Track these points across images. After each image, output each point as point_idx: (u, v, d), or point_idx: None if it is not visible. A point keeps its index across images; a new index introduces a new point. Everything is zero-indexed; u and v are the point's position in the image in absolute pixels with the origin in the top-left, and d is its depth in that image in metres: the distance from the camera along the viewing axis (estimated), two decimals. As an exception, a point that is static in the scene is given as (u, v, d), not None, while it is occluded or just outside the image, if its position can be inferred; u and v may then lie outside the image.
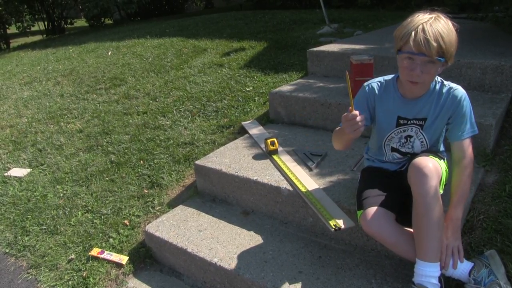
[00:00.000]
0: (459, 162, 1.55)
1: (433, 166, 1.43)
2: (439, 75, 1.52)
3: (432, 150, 1.63)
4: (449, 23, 1.41)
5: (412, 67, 1.41)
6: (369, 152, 1.82)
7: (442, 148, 1.70)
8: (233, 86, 3.54)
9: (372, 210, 1.51)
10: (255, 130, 2.71)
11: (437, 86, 1.54)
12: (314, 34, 4.52)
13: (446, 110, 1.54)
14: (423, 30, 1.36)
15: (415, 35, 1.37)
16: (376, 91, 1.64)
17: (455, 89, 1.53)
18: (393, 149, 1.67)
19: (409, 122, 1.60)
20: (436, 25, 1.37)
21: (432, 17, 1.39)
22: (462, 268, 1.48)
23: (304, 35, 4.57)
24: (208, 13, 9.20)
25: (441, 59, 1.38)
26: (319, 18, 5.34)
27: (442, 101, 1.54)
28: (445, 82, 1.55)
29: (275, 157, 2.25)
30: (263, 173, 2.12)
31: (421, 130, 1.60)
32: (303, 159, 2.21)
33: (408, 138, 1.63)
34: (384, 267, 1.67)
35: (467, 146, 1.55)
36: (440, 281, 1.41)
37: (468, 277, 1.46)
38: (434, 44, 1.35)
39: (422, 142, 1.62)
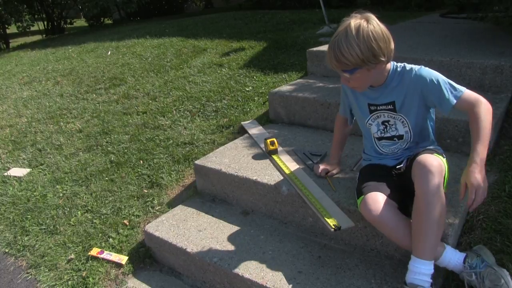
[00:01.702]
0: (470, 111, 1.48)
1: (438, 164, 1.43)
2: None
3: (424, 136, 1.68)
4: (363, 27, 1.44)
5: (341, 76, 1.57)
6: (366, 152, 1.86)
7: (432, 136, 1.72)
8: (233, 86, 3.54)
9: (372, 195, 1.53)
10: (255, 130, 2.71)
11: (399, 69, 1.61)
12: (314, 34, 4.52)
13: (414, 90, 1.57)
14: (329, 49, 1.51)
15: (328, 52, 1.52)
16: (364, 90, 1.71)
17: (415, 69, 1.58)
18: (379, 139, 1.73)
19: (378, 108, 1.68)
20: (340, 39, 1.46)
21: (342, 30, 1.48)
22: (457, 258, 1.50)
23: (303, 35, 4.57)
24: (208, 13, 9.20)
25: (351, 71, 1.49)
26: (318, 18, 5.34)
27: (406, 83, 1.59)
28: (408, 66, 1.60)
29: (274, 157, 2.25)
30: (262, 173, 2.12)
31: (394, 112, 1.65)
32: (303, 159, 2.21)
33: (386, 123, 1.69)
34: (384, 267, 1.67)
35: (467, 98, 1.50)
36: (432, 278, 1.42)
37: (463, 265, 1.49)
38: (335, 61, 1.49)
39: (403, 122, 1.65)
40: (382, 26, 1.49)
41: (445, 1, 4.83)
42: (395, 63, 1.62)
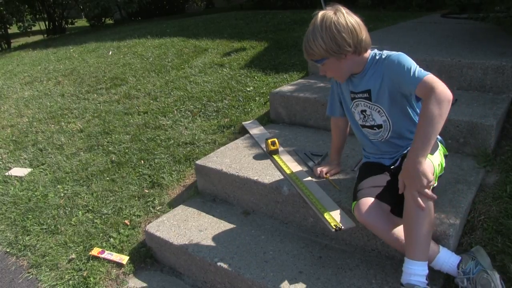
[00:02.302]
0: (426, 95, 1.38)
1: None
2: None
3: (410, 127, 1.64)
4: (328, 18, 1.49)
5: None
6: (364, 148, 1.88)
7: None
8: (234, 86, 3.54)
9: (365, 200, 1.54)
10: (256, 130, 2.71)
11: (377, 57, 1.60)
12: (315, 34, 4.52)
13: (387, 77, 1.56)
14: (303, 40, 1.57)
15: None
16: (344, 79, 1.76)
17: (386, 55, 1.57)
18: (362, 126, 1.75)
19: (357, 96, 1.69)
20: (308, 30, 1.54)
21: (312, 22, 1.54)
22: (451, 262, 1.51)
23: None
24: (209, 13, 9.20)
25: (320, 61, 1.57)
26: (319, 18, 5.34)
27: (380, 69, 1.58)
28: (384, 53, 1.60)
29: (275, 157, 2.25)
30: (263, 173, 2.12)
31: (369, 102, 1.66)
32: (304, 159, 2.21)
33: (364, 113, 1.70)
34: (385, 267, 1.67)
35: (424, 87, 1.39)
36: (427, 279, 1.42)
37: (457, 270, 1.50)
38: (304, 52, 1.58)
39: (379, 111, 1.65)
40: (349, 18, 1.51)
41: (446, 1, 4.82)
42: (376, 51, 1.62)
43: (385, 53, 1.59)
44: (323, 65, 1.59)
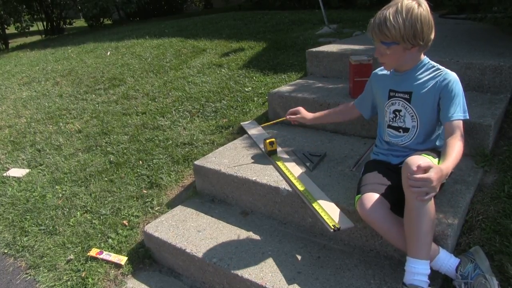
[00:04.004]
0: (450, 136, 1.54)
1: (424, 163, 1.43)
2: (434, 60, 1.68)
3: (429, 141, 1.70)
4: (414, 8, 1.51)
5: (376, 48, 1.65)
6: (377, 144, 1.90)
7: (438, 142, 1.72)
8: (232, 87, 3.54)
9: (368, 195, 1.56)
10: (254, 131, 2.71)
11: (425, 61, 1.66)
12: (313, 34, 4.53)
13: (434, 88, 1.62)
14: (375, 17, 1.57)
15: (371, 21, 1.59)
16: (378, 73, 1.86)
17: (446, 72, 1.62)
18: (388, 126, 1.78)
19: (397, 95, 1.72)
20: (389, 11, 1.53)
21: (393, 5, 1.54)
22: (450, 264, 1.51)
23: (303, 35, 4.57)
24: (207, 13, 9.20)
25: (388, 44, 1.56)
26: (318, 19, 5.35)
27: (429, 78, 1.63)
28: (441, 66, 1.65)
29: (274, 157, 2.25)
30: (262, 173, 2.12)
31: (408, 103, 1.69)
32: (302, 159, 2.21)
33: (397, 113, 1.73)
34: (383, 267, 1.67)
35: (457, 126, 1.55)
36: (429, 278, 1.43)
37: (455, 273, 1.51)
38: (376, 30, 1.56)
39: (412, 116, 1.69)
40: (430, 14, 1.55)
41: (445, 2, 4.83)
42: (430, 60, 1.68)
43: (441, 67, 1.65)
44: (388, 48, 1.58)
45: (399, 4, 1.52)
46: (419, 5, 1.52)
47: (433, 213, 1.44)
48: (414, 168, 1.38)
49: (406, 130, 1.71)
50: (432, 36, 1.58)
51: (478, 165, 1.99)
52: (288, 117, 2.18)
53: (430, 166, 1.37)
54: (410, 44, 1.55)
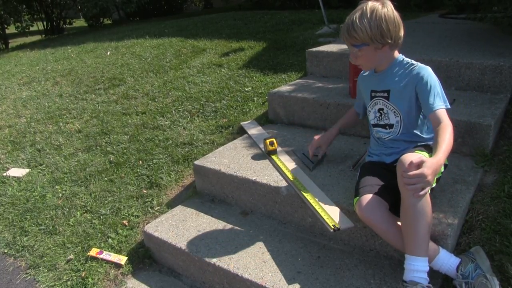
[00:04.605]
0: (437, 127, 1.56)
1: (416, 159, 1.44)
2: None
3: (415, 133, 1.73)
4: (378, 9, 1.58)
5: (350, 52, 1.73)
6: (370, 146, 1.93)
7: (427, 134, 1.75)
8: (232, 87, 3.54)
9: (367, 197, 1.57)
10: (254, 131, 2.71)
11: (400, 59, 1.73)
12: (313, 34, 4.52)
13: (409, 82, 1.67)
14: (344, 24, 1.66)
15: (342, 26, 1.68)
16: (363, 74, 1.92)
17: (419, 66, 1.68)
18: (376, 125, 1.83)
19: (377, 94, 1.79)
20: (355, 15, 1.61)
21: (359, 9, 1.62)
22: (450, 263, 1.52)
23: (303, 35, 4.57)
24: (207, 13, 9.20)
25: (359, 46, 1.63)
26: (318, 19, 5.34)
27: (404, 74, 1.70)
28: (414, 62, 1.72)
29: (274, 157, 2.25)
30: (262, 173, 2.12)
31: (387, 101, 1.75)
32: (302, 159, 2.21)
33: (381, 111, 1.79)
34: (383, 267, 1.67)
35: (442, 115, 1.57)
36: (428, 276, 1.43)
37: (456, 273, 1.51)
38: (346, 34, 1.64)
39: (394, 112, 1.75)
40: (395, 12, 1.62)
41: (445, 2, 4.83)
42: (403, 56, 1.74)
43: (414, 62, 1.71)
44: (359, 50, 1.65)
45: (364, 7, 1.61)
46: (383, 5, 1.60)
47: (429, 210, 1.44)
48: (407, 166, 1.40)
49: (391, 126, 1.77)
50: (401, 33, 1.64)
51: (478, 165, 1.99)
52: (311, 149, 2.14)
53: (423, 161, 1.39)
54: (380, 44, 1.62)
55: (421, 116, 1.73)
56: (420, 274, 1.42)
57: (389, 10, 1.60)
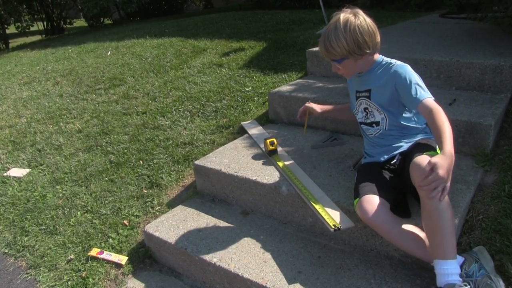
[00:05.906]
0: (428, 118, 1.53)
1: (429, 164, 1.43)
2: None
3: (407, 127, 1.74)
4: (351, 21, 1.60)
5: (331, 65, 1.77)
6: (364, 150, 1.95)
7: (416, 124, 1.76)
8: (233, 86, 3.54)
9: (367, 197, 1.57)
10: (255, 130, 2.71)
11: (379, 60, 1.76)
12: (314, 34, 4.52)
13: (388, 80, 1.69)
14: (320, 40, 1.71)
15: (319, 42, 1.72)
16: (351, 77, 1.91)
17: (397, 64, 1.71)
18: (362, 123, 1.88)
19: (361, 95, 1.84)
20: (330, 32, 1.64)
21: (332, 24, 1.65)
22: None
23: (303, 35, 4.57)
24: (208, 13, 9.20)
25: (339, 60, 1.68)
26: (318, 18, 5.34)
27: (383, 73, 1.73)
28: (392, 61, 1.74)
29: (274, 157, 2.25)
30: (262, 173, 2.12)
31: (369, 100, 1.80)
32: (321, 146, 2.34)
33: (366, 110, 1.84)
34: (384, 267, 1.67)
35: (429, 103, 1.55)
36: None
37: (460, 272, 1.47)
38: (324, 51, 1.70)
39: (377, 110, 1.79)
40: (368, 20, 1.64)
41: (445, 1, 4.83)
42: (382, 56, 1.77)
43: (393, 61, 1.74)
44: (340, 64, 1.70)
45: (337, 21, 1.62)
46: (355, 16, 1.61)
47: (451, 210, 1.43)
48: (427, 169, 1.35)
49: (377, 123, 1.81)
50: (378, 39, 1.67)
51: (479, 165, 1.98)
52: (299, 116, 2.26)
53: (435, 163, 1.34)
54: (359, 55, 1.65)
55: (406, 110, 1.74)
56: (455, 277, 1.38)
57: (362, 20, 1.61)
